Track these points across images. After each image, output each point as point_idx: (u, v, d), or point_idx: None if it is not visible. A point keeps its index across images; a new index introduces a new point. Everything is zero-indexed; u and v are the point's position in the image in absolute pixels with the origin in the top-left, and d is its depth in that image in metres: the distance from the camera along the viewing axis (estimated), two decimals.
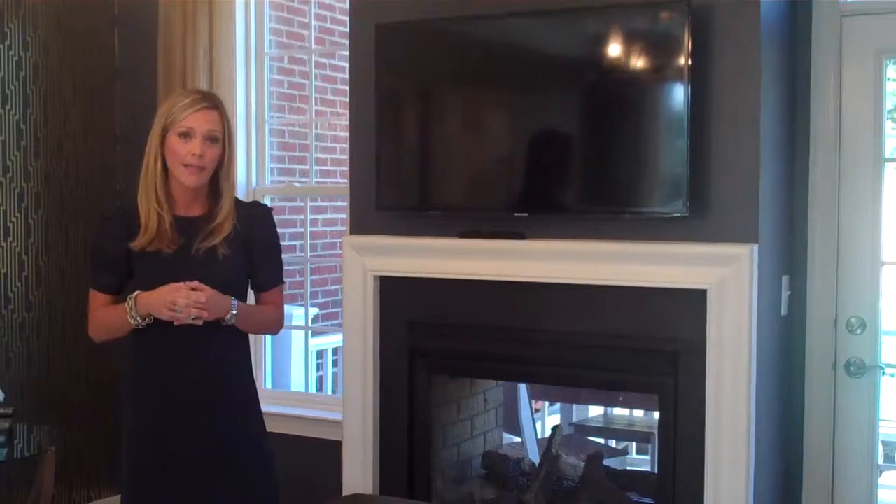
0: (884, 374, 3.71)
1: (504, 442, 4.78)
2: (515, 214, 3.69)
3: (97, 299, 2.87)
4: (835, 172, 3.73)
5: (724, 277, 3.42)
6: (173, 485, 2.81)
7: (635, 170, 3.55)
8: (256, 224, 2.94)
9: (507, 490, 4.15)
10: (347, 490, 4.08)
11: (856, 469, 3.76)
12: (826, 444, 3.78)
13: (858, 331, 3.71)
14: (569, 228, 3.66)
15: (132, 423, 2.85)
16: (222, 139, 2.80)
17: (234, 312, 2.78)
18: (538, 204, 3.67)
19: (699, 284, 3.45)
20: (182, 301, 2.65)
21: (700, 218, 3.47)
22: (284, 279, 3.16)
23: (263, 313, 3.02)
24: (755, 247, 3.41)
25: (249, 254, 2.92)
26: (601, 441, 5.42)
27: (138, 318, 2.72)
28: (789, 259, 3.78)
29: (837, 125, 3.72)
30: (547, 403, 5.81)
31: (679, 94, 3.40)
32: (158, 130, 2.77)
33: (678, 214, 3.43)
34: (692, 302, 3.47)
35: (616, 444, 5.62)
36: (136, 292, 2.73)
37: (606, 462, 4.38)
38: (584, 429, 5.53)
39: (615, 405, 5.44)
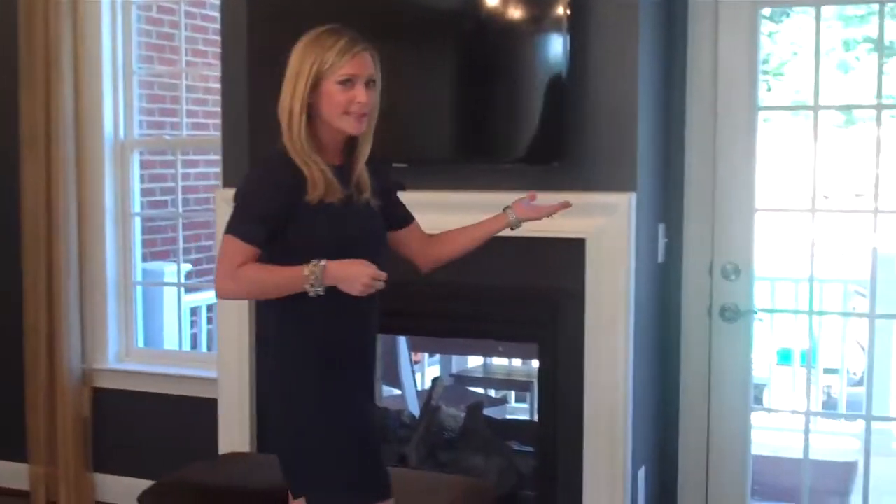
0: (756, 318, 3.78)
1: (384, 395, 4.73)
2: (393, 165, 3.60)
3: (244, 252, 2.53)
4: (711, 121, 3.75)
5: (602, 226, 3.42)
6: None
7: (512, 120, 3.51)
8: (381, 170, 2.79)
9: (387, 443, 4.11)
10: (224, 449, 3.99)
11: (731, 410, 3.83)
12: (702, 388, 3.85)
13: (733, 277, 3.77)
14: (447, 180, 3.61)
15: (328, 389, 2.59)
16: (379, 80, 2.63)
17: None
18: (416, 155, 3.59)
19: (578, 233, 3.45)
20: (380, 278, 2.50)
21: (578, 167, 3.46)
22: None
23: None
24: (633, 195, 3.42)
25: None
26: (481, 391, 5.43)
27: (319, 288, 2.49)
28: (666, 207, 3.81)
29: (713, 74, 3.74)
30: (426, 355, 5.78)
31: (557, 45, 3.37)
32: (308, 77, 2.53)
33: (556, 164, 3.41)
34: (572, 251, 3.47)
35: (496, 393, 5.63)
36: (324, 261, 2.47)
37: (487, 412, 4.38)
38: (464, 379, 5.52)
39: (495, 355, 5.45)
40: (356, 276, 2.47)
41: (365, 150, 2.65)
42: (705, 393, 3.84)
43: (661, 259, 3.77)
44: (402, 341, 4.95)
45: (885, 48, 3.88)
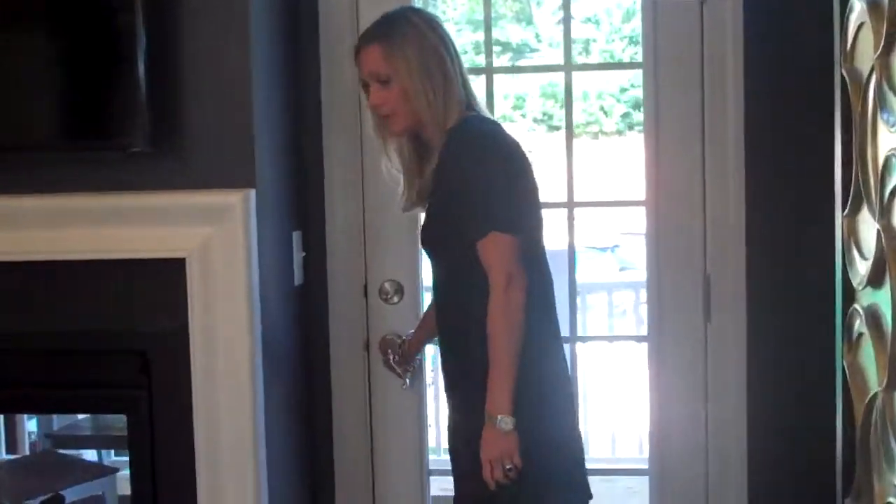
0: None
1: None
2: None
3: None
4: (355, 98, 2.81)
5: (208, 238, 2.41)
6: None
7: (68, 95, 2.43)
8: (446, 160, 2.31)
9: None
10: None
11: (401, 473, 2.92)
12: (363, 450, 2.91)
13: (395, 299, 2.86)
14: None
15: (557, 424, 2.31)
16: (394, 74, 2.26)
17: None
18: None
19: (173, 251, 2.41)
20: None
21: (173, 159, 2.44)
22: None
23: None
24: (251, 193, 2.44)
25: None
26: (90, 455, 4.24)
27: None
28: (301, 210, 2.84)
29: (353, 29, 2.80)
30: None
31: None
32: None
33: (136, 150, 2.36)
34: (166, 277, 2.44)
35: (112, 454, 4.43)
36: None
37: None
38: (66, 440, 4.30)
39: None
40: None
41: (430, 158, 2.31)
42: (367, 455, 2.91)
43: (298, 280, 2.79)
44: None
45: None
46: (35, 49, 2.40)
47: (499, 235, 2.17)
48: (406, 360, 2.68)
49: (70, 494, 3.92)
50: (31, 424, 4.51)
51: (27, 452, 4.26)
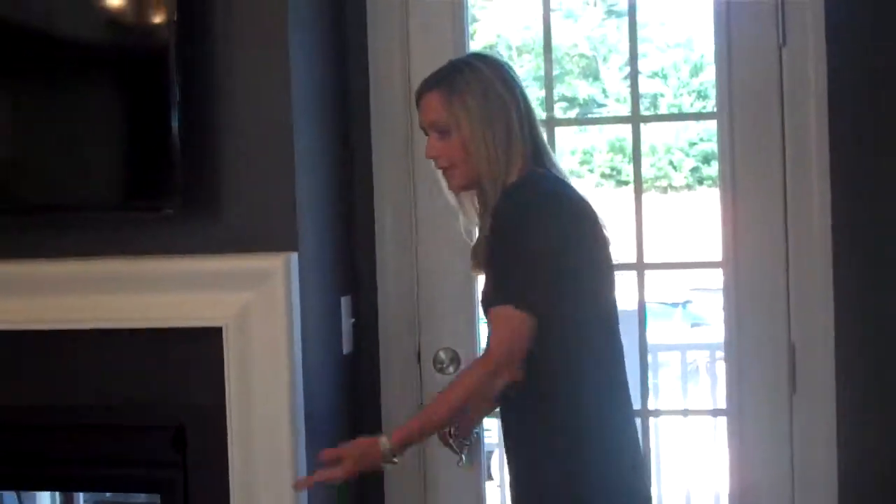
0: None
1: None
2: None
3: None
4: (405, 154, 2.64)
5: (247, 305, 2.24)
6: None
7: (97, 154, 2.29)
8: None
9: None
10: None
11: None
12: None
13: (450, 369, 2.65)
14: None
15: None
16: (454, 125, 2.10)
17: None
18: None
19: (211, 321, 2.24)
20: None
21: (210, 221, 2.28)
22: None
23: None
24: (293, 256, 2.25)
25: None
26: None
27: None
28: (351, 275, 2.66)
29: (405, 85, 2.64)
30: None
31: (160, 40, 2.21)
32: None
33: (170, 211, 2.20)
34: (202, 348, 2.27)
35: None
36: None
37: None
38: None
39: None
40: None
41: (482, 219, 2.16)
42: None
43: (347, 348, 2.60)
44: None
45: None
46: (61, 107, 2.27)
47: (512, 311, 1.99)
48: (463, 434, 2.48)
49: None
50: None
51: None
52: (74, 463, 2.36)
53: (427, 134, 2.17)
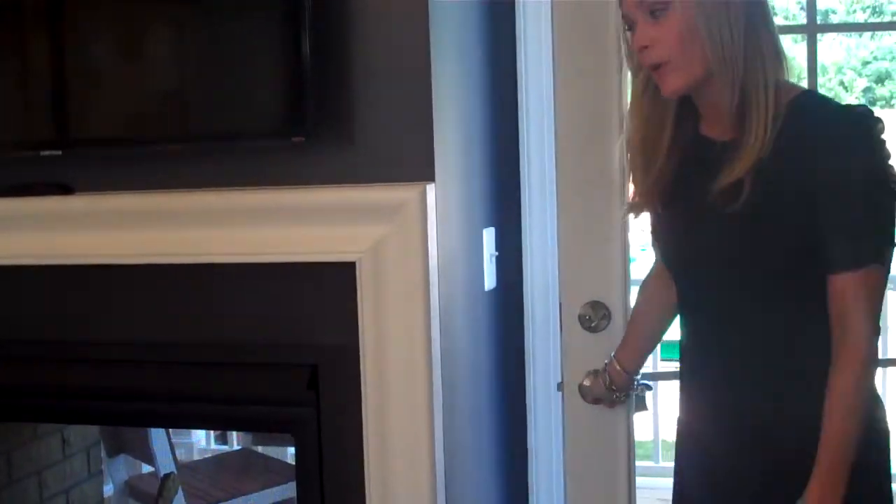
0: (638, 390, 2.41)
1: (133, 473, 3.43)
2: (43, 154, 2.22)
3: None
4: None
5: (381, 239, 2.11)
6: None
7: (221, 80, 2.17)
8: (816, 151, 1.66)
9: None
10: None
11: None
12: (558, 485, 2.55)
13: (604, 323, 2.44)
14: (134, 173, 2.24)
15: None
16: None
17: None
18: (76, 136, 2.22)
19: (343, 255, 2.12)
20: None
21: (341, 150, 2.14)
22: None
23: None
24: (431, 186, 2.11)
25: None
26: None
27: None
28: (494, 206, 2.51)
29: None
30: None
31: None
32: None
33: (300, 139, 2.08)
34: (333, 282, 2.14)
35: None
36: None
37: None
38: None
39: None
40: None
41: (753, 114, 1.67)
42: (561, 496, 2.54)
43: (489, 284, 2.46)
44: None
45: None
46: (185, 30, 2.17)
47: (873, 272, 1.63)
48: (625, 386, 2.28)
49: (264, 498, 3.78)
50: None
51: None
52: (208, 401, 2.30)
53: (630, 28, 1.74)
